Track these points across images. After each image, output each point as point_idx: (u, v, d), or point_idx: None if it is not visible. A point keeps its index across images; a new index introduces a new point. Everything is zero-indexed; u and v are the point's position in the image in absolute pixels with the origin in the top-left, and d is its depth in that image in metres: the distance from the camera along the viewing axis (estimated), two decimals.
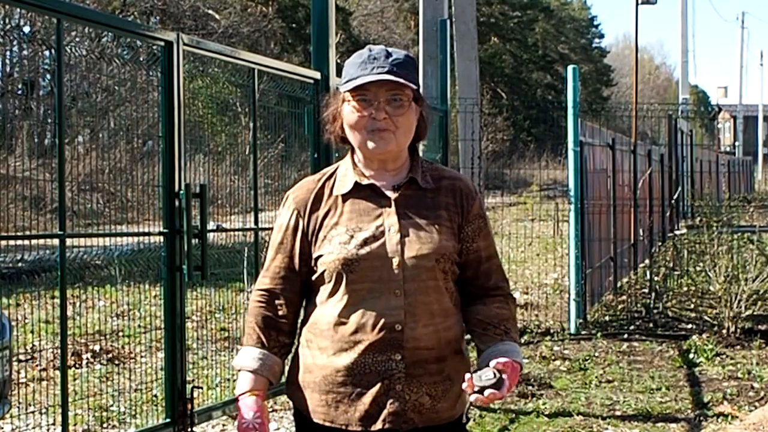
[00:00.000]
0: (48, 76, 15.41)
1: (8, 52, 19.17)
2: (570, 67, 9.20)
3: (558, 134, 26.70)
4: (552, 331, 8.93)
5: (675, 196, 17.45)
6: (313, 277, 2.56)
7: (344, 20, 36.96)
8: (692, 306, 9.99)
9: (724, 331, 8.51)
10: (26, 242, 5.87)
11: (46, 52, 15.22)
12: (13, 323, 5.59)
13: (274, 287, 2.59)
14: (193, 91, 6.05)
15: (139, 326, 7.68)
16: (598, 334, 8.76)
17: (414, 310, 2.47)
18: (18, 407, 5.31)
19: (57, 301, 4.00)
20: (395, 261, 2.48)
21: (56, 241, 3.86)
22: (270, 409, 6.01)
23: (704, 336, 8.35)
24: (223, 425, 5.90)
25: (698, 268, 10.33)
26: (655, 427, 5.96)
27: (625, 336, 8.80)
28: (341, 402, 2.50)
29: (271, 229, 2.79)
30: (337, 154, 5.16)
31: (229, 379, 6.06)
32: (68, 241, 3.97)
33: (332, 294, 2.52)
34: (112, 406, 6.06)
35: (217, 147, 7.03)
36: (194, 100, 6.28)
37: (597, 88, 57.14)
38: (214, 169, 6.18)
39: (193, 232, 4.37)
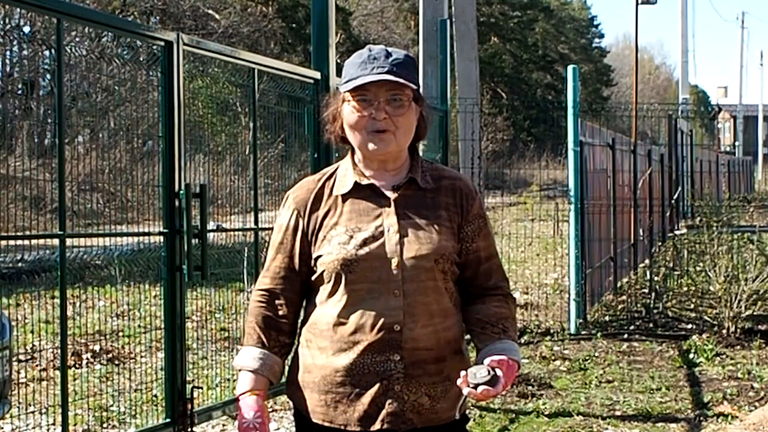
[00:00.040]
0: (48, 76, 15.42)
1: (8, 52, 19.19)
2: (570, 67, 9.21)
3: (558, 134, 26.69)
4: (552, 331, 8.93)
5: (675, 196, 17.45)
6: (313, 278, 2.56)
7: (344, 20, 36.97)
8: (692, 306, 9.99)
9: (724, 331, 8.51)
10: (26, 242, 5.87)
11: (46, 52, 15.23)
12: (13, 323, 5.59)
13: (274, 287, 2.60)
14: (193, 91, 6.05)
15: (139, 326, 7.68)
16: (598, 334, 8.76)
17: (413, 310, 2.47)
18: (18, 407, 5.31)
19: (57, 301, 4.00)
20: (394, 261, 2.48)
21: (56, 241, 3.86)
22: (270, 409, 6.01)
23: (704, 336, 8.35)
24: (223, 425, 5.90)
25: (698, 268, 10.33)
26: (655, 427, 5.96)
27: (625, 336, 8.80)
28: (340, 402, 2.50)
29: (271, 229, 2.80)
30: (337, 154, 5.16)
31: (229, 379, 6.06)
32: (68, 241, 3.97)
33: (332, 294, 2.52)
34: (112, 406, 6.06)
35: (217, 147, 7.03)
36: (194, 100, 6.28)
37: (597, 88, 57.15)
38: (214, 169, 6.18)
39: (193, 232, 4.37)
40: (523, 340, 8.55)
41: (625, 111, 28.69)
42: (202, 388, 5.15)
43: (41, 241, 5.85)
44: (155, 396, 5.63)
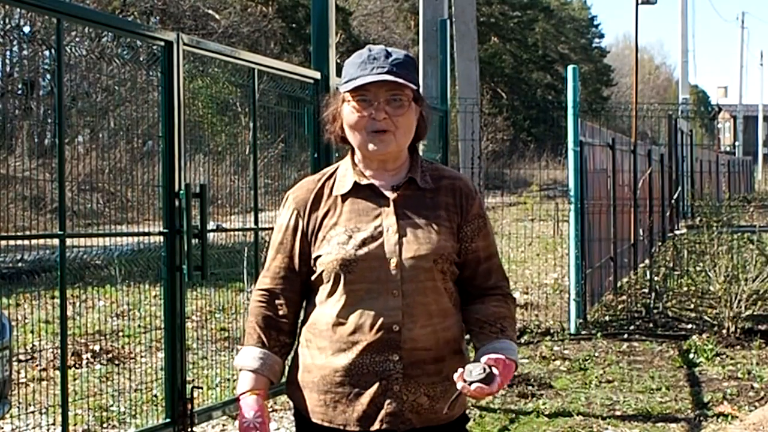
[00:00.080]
0: (48, 76, 15.42)
1: (8, 52, 19.18)
2: (570, 67, 9.21)
3: (558, 134, 26.69)
4: (552, 331, 8.93)
5: (675, 196, 17.45)
6: (313, 278, 2.56)
7: (344, 20, 36.96)
8: (692, 306, 9.99)
9: (724, 331, 8.51)
10: (26, 242, 5.87)
11: (46, 52, 15.22)
12: (13, 323, 5.59)
13: (274, 287, 2.60)
14: (193, 91, 6.05)
15: (139, 326, 7.67)
16: (598, 334, 8.76)
17: (412, 310, 2.47)
18: (18, 407, 5.31)
19: (57, 301, 4.00)
20: (393, 262, 2.48)
21: (56, 241, 3.86)
22: (270, 409, 6.01)
23: (704, 336, 8.35)
24: (223, 425, 5.90)
25: (698, 268, 10.33)
26: (655, 427, 5.96)
27: (625, 336, 8.80)
28: (339, 402, 2.50)
29: (271, 229, 2.80)
30: (337, 154, 5.16)
31: (229, 379, 6.06)
32: (68, 241, 3.97)
33: (331, 294, 2.52)
34: (112, 406, 6.06)
35: (217, 147, 7.02)
36: (194, 100, 6.28)
37: (597, 88, 57.14)
38: (214, 169, 6.18)
39: (193, 232, 4.37)
40: (523, 340, 8.55)
41: (625, 111, 28.70)
42: (202, 388, 5.14)
43: (41, 241, 5.85)
44: (155, 396, 5.63)
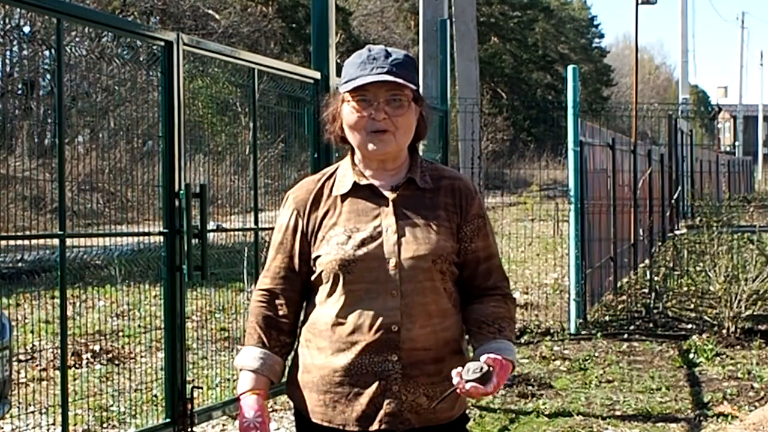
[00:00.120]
0: (48, 76, 15.42)
1: (8, 52, 19.18)
2: (570, 67, 9.21)
3: (558, 134, 26.69)
4: (552, 331, 8.93)
5: (675, 196, 17.45)
6: (312, 278, 2.56)
7: (344, 20, 36.96)
8: (692, 306, 9.99)
9: (724, 331, 8.51)
10: (26, 242, 5.87)
11: (46, 52, 15.22)
12: (13, 323, 5.59)
13: (274, 287, 2.60)
14: (193, 91, 6.05)
15: (139, 326, 7.68)
16: (598, 334, 8.76)
17: (411, 311, 2.47)
18: (18, 407, 5.31)
19: (57, 301, 4.00)
20: (392, 262, 2.48)
21: (56, 241, 3.86)
22: (270, 409, 6.01)
23: (704, 336, 8.35)
24: (223, 425, 5.90)
25: (698, 268, 10.33)
26: (655, 427, 5.96)
27: (625, 336, 8.80)
28: (339, 402, 2.50)
29: (271, 229, 2.80)
30: (337, 154, 5.16)
31: (229, 379, 6.06)
32: (68, 241, 3.97)
33: (330, 294, 2.52)
34: (112, 406, 6.06)
35: (217, 147, 7.02)
36: (194, 100, 6.28)
37: (597, 88, 57.14)
38: (214, 169, 6.18)
39: (193, 232, 4.37)
40: (523, 340, 8.55)
41: (625, 111, 28.69)
42: (202, 388, 5.14)
43: (41, 241, 5.84)
44: (155, 396, 5.63)
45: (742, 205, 25.00)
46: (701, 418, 6.12)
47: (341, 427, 2.50)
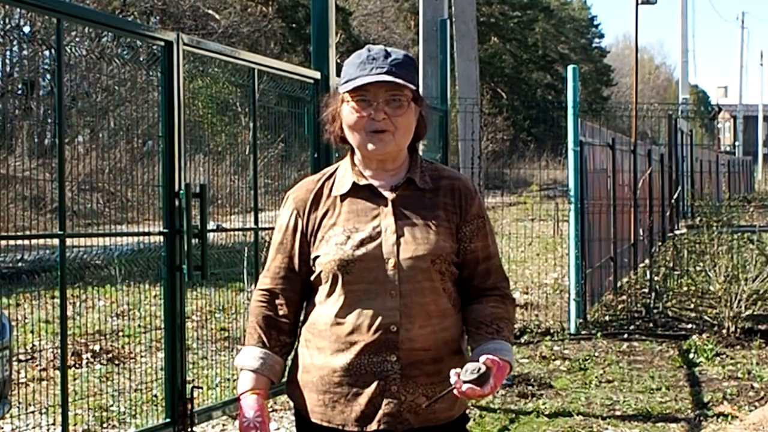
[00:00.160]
0: (48, 76, 15.42)
1: (8, 52, 19.19)
2: (570, 67, 9.21)
3: (558, 134, 26.69)
4: (552, 331, 8.93)
5: (675, 196, 17.45)
6: (312, 278, 2.57)
7: (344, 20, 36.96)
8: (692, 306, 9.99)
9: (724, 331, 8.51)
10: (26, 242, 5.87)
11: (46, 52, 15.23)
12: (13, 323, 5.59)
13: (274, 287, 2.60)
14: (193, 91, 6.05)
15: (139, 326, 7.68)
16: (598, 334, 8.76)
17: (409, 311, 2.47)
18: (18, 407, 5.31)
19: (57, 301, 4.00)
20: (390, 262, 2.48)
21: (56, 241, 3.86)
22: (270, 409, 6.01)
23: (704, 336, 8.35)
24: (223, 425, 5.90)
25: (698, 268, 10.33)
26: (655, 427, 5.96)
27: (625, 336, 8.80)
28: (338, 402, 2.50)
29: (271, 229, 2.80)
30: (337, 154, 5.16)
31: (229, 379, 6.06)
32: (68, 241, 3.97)
33: (329, 294, 2.52)
34: (112, 406, 6.06)
35: (217, 147, 7.02)
36: (194, 100, 6.28)
37: (597, 88, 57.14)
38: (214, 169, 6.18)
39: (193, 232, 4.37)
40: (523, 340, 8.55)
41: (625, 111, 28.70)
42: (202, 388, 5.14)
43: (41, 241, 5.85)
44: (155, 396, 5.63)
45: (742, 205, 24.99)
46: (701, 418, 6.12)
47: (340, 427, 2.51)
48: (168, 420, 4.38)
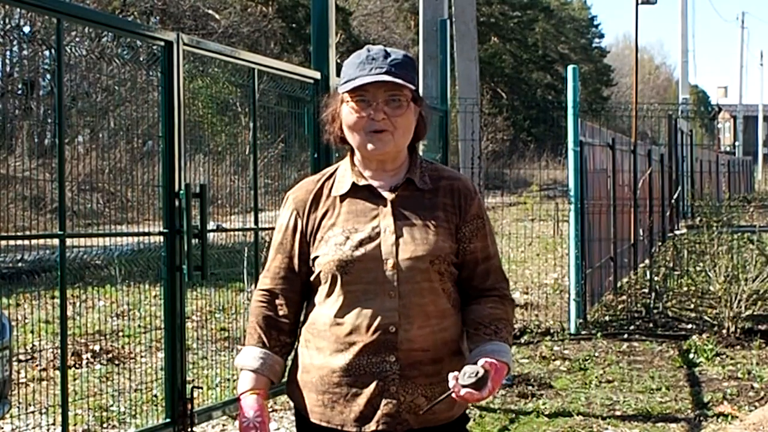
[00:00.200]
0: (48, 76, 15.42)
1: (8, 52, 19.19)
2: (570, 67, 9.21)
3: (558, 134, 26.68)
4: (552, 331, 8.93)
5: (675, 196, 17.45)
6: (312, 278, 2.57)
7: (344, 20, 36.96)
8: (692, 306, 9.99)
9: (724, 331, 8.51)
10: (26, 242, 5.87)
11: (46, 52, 15.22)
12: (13, 323, 5.59)
13: (274, 287, 2.60)
14: (193, 91, 6.05)
15: (139, 326, 7.68)
16: (598, 334, 8.76)
17: (408, 311, 2.47)
18: (18, 407, 5.31)
19: (57, 301, 4.00)
20: (389, 263, 2.48)
21: (56, 241, 3.86)
22: (270, 409, 6.01)
23: (704, 336, 8.35)
24: (223, 425, 5.90)
25: (698, 268, 10.33)
26: (655, 427, 5.96)
27: (625, 336, 8.80)
28: (337, 402, 2.50)
29: (271, 229, 2.80)
30: (337, 154, 5.16)
31: (229, 379, 6.06)
32: (68, 241, 3.97)
33: (329, 295, 2.52)
34: (112, 406, 6.06)
35: (217, 147, 7.02)
36: (194, 100, 6.28)
37: (597, 88, 57.14)
38: (214, 169, 6.18)
39: (193, 232, 4.37)
40: (523, 340, 8.55)
41: (625, 111, 28.69)
42: (202, 388, 5.14)
43: (41, 241, 5.84)
44: (155, 396, 5.63)
45: (742, 205, 25.00)
46: (701, 418, 6.12)
47: (339, 428, 2.51)
48: (168, 420, 4.38)
